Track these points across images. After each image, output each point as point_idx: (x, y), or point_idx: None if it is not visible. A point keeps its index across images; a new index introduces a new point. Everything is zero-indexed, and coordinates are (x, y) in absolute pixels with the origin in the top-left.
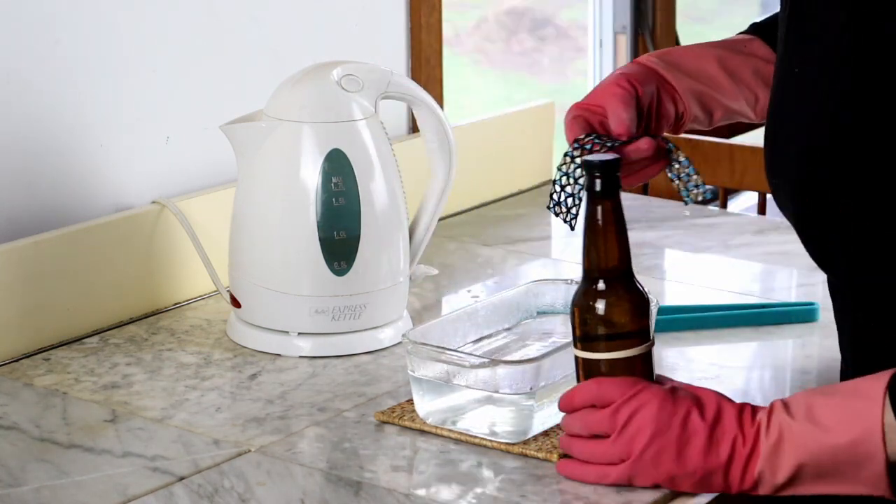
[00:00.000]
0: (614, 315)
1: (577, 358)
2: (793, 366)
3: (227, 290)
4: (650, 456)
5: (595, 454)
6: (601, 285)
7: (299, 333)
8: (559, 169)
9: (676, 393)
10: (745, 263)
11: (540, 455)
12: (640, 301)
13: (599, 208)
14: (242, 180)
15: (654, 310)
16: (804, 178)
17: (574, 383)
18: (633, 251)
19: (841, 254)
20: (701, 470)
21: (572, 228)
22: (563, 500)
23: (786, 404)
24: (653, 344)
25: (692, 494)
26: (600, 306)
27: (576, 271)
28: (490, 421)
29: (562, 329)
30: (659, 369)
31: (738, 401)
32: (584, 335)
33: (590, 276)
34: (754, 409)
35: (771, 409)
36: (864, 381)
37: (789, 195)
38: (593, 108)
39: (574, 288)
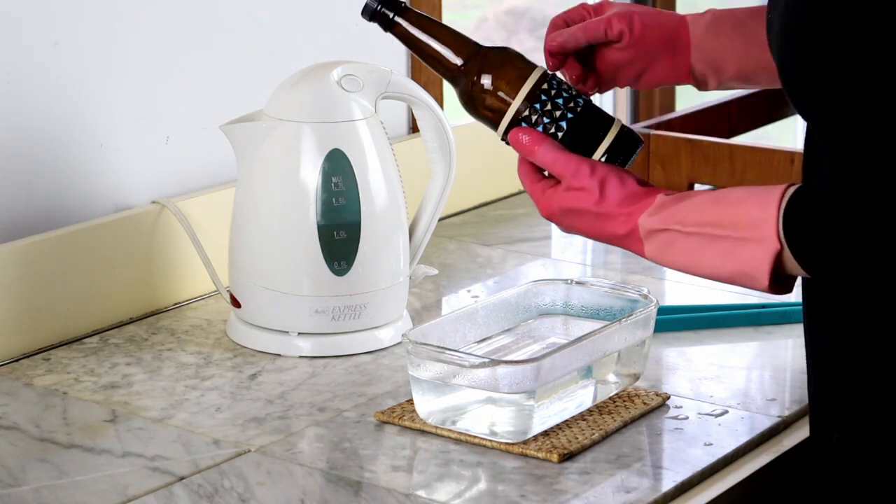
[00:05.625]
0: (501, 78)
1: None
2: (793, 366)
3: (227, 290)
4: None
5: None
6: (472, 69)
7: (299, 333)
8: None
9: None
10: None
11: (540, 455)
12: (511, 54)
13: (408, 25)
14: (242, 180)
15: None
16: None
17: (572, 383)
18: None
19: (820, 98)
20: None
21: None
22: (563, 500)
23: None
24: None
25: (693, 494)
26: (486, 81)
27: (575, 271)
28: (490, 421)
29: (562, 329)
30: (659, 369)
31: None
32: (498, 118)
33: (462, 75)
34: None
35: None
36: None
37: (777, 32)
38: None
39: (574, 287)
